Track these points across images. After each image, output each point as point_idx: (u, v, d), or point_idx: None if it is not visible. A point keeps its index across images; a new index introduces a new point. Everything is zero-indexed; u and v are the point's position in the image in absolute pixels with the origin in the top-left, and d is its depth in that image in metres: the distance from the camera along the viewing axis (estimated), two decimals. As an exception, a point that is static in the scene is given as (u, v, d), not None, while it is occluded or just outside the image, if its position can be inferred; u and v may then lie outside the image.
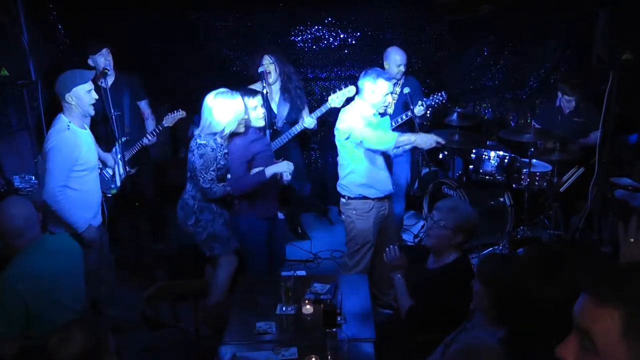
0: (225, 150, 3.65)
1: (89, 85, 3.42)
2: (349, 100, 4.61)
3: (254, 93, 3.76)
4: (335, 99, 4.40)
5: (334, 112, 4.19)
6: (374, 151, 3.76)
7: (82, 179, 3.46)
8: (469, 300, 2.53)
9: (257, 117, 3.75)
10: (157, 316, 3.16)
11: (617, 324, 1.02)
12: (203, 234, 3.71)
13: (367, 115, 3.78)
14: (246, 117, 3.67)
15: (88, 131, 3.59)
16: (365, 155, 3.78)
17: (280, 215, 4.15)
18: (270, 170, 3.62)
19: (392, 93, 4.86)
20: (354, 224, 3.87)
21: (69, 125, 3.39)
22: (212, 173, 3.56)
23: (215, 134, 3.57)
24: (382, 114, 4.73)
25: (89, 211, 3.53)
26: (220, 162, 3.61)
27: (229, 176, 3.75)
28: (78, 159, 3.39)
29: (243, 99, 3.64)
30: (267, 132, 4.34)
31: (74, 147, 3.37)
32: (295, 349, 2.64)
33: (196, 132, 3.68)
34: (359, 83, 3.83)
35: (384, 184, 3.87)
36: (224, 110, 3.53)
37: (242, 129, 3.69)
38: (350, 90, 4.46)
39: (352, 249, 3.93)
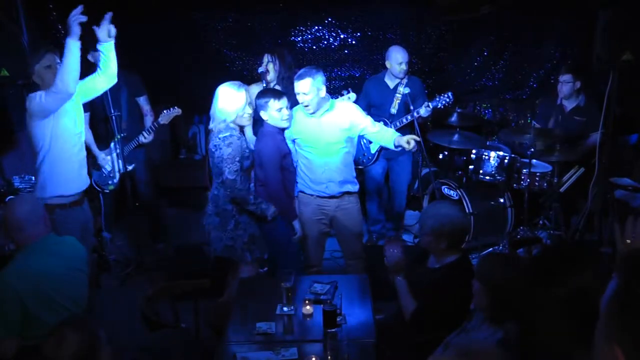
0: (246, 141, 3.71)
1: (47, 61, 3.47)
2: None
3: (279, 95, 3.70)
4: None
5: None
6: (310, 153, 3.86)
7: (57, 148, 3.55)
8: (470, 301, 2.53)
9: (281, 119, 3.69)
10: (157, 316, 3.15)
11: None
12: (245, 236, 3.70)
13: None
14: (249, 111, 3.65)
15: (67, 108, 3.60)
16: (301, 155, 3.91)
17: None
18: (297, 223, 3.81)
19: (396, 94, 4.89)
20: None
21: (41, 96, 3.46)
22: (238, 164, 3.56)
23: (224, 122, 3.61)
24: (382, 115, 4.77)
25: (71, 176, 3.61)
26: (246, 151, 3.66)
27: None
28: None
29: (269, 100, 3.63)
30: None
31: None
32: (295, 349, 2.64)
33: (210, 126, 3.70)
34: None
35: (317, 186, 3.90)
36: (225, 100, 3.60)
37: (246, 122, 3.71)
38: (351, 96, 4.49)
39: None
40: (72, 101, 3.55)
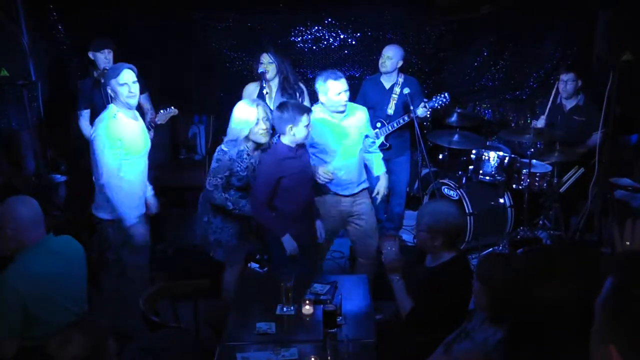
0: (252, 161, 3.66)
1: (122, 79, 3.47)
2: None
3: (306, 110, 3.52)
4: None
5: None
6: (331, 157, 3.86)
7: (125, 168, 3.53)
8: (467, 299, 2.53)
9: (305, 135, 3.54)
10: (157, 316, 3.16)
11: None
12: (212, 236, 3.77)
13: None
14: (263, 127, 3.60)
15: (138, 122, 3.67)
16: (319, 160, 3.87)
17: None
18: (287, 240, 3.57)
19: (392, 94, 4.89)
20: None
21: (115, 114, 3.48)
22: (219, 180, 3.58)
23: (234, 141, 3.60)
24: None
25: (132, 200, 3.60)
26: (240, 173, 3.61)
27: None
28: (119, 146, 3.47)
29: (301, 116, 3.46)
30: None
31: (114, 134, 3.46)
32: (295, 349, 2.64)
33: (224, 139, 3.73)
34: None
35: (336, 187, 3.88)
36: (238, 116, 3.60)
37: (262, 139, 3.64)
38: None
39: None
40: None
